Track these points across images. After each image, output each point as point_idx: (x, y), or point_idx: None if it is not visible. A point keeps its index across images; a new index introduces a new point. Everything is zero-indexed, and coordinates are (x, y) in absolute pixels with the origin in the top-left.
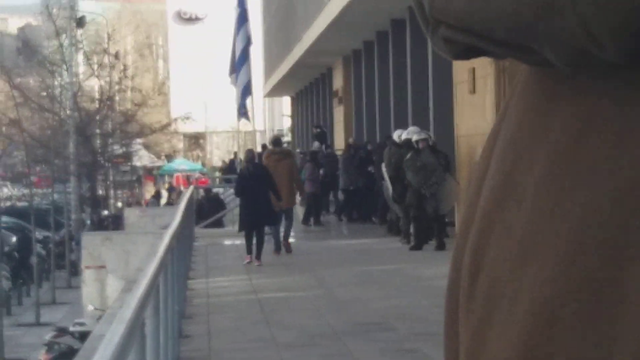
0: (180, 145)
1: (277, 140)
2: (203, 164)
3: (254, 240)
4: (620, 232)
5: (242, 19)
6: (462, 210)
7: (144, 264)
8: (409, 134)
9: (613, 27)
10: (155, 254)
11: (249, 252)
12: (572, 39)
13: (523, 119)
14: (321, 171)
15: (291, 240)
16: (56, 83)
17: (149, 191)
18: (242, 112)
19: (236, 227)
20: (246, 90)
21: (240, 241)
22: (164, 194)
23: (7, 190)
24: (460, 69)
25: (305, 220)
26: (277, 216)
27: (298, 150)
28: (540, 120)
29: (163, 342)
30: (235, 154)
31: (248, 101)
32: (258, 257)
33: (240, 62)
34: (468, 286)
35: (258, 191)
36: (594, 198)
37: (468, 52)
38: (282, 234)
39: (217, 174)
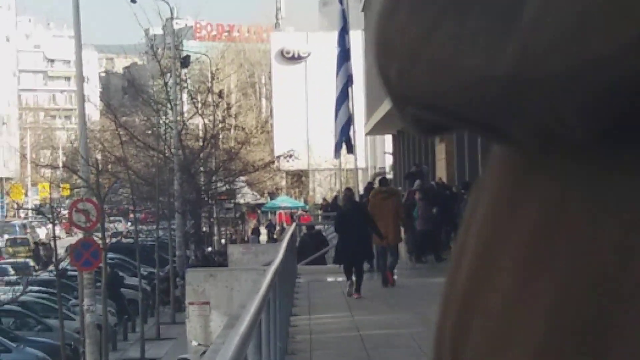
0: (283, 182)
1: (384, 180)
2: (305, 202)
3: (353, 275)
4: (597, 317)
5: (343, 58)
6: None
7: (247, 301)
8: None
9: (581, 109)
10: (257, 290)
11: (351, 282)
12: (539, 120)
13: (497, 199)
14: (434, 210)
15: (395, 277)
16: (161, 121)
17: (252, 228)
18: (347, 146)
19: None
20: (345, 129)
21: (342, 278)
22: (263, 231)
23: (115, 226)
24: None
25: (418, 257)
26: (372, 252)
27: (400, 188)
28: (514, 200)
29: None
30: (338, 191)
31: (351, 133)
32: (357, 290)
33: (340, 101)
34: None
35: (355, 228)
36: (569, 282)
37: (436, 130)
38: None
39: (319, 211)
